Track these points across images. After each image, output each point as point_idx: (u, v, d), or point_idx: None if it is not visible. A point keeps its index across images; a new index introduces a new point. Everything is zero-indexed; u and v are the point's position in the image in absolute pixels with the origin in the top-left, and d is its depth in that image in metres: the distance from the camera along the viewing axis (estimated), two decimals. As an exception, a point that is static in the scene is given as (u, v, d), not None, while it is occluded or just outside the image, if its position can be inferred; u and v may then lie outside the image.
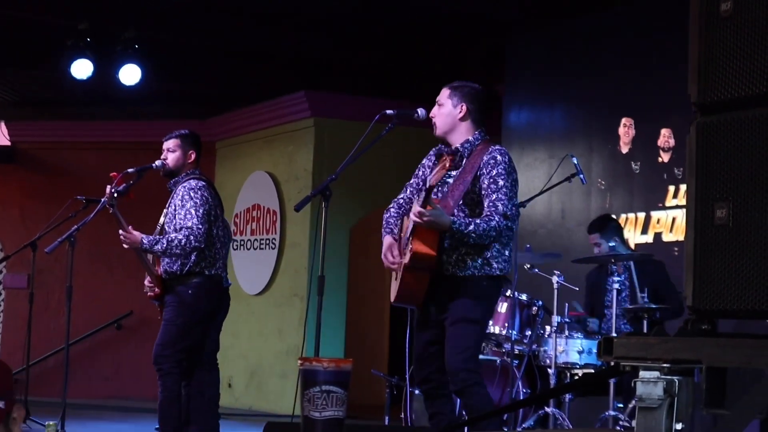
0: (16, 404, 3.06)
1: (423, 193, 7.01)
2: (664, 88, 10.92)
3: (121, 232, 8.99)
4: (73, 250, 9.93)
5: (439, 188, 7.30)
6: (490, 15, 12.99)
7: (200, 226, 8.94)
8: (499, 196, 7.07)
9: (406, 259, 7.08)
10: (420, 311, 7.36)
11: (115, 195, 9.07)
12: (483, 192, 7.12)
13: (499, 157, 7.17)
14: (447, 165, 6.94)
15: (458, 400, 7.69)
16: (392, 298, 7.38)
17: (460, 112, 7.32)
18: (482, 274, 7.13)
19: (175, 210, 9.11)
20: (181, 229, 8.94)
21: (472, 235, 6.95)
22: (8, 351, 17.88)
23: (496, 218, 7.00)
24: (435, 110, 7.39)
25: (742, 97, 4.27)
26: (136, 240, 8.98)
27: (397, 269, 7.25)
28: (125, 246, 9.08)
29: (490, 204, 7.06)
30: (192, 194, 9.06)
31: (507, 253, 7.25)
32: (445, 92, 7.41)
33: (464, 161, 7.27)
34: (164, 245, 8.91)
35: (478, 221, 7.00)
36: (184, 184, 9.17)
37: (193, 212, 8.98)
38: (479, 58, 14.31)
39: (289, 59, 15.39)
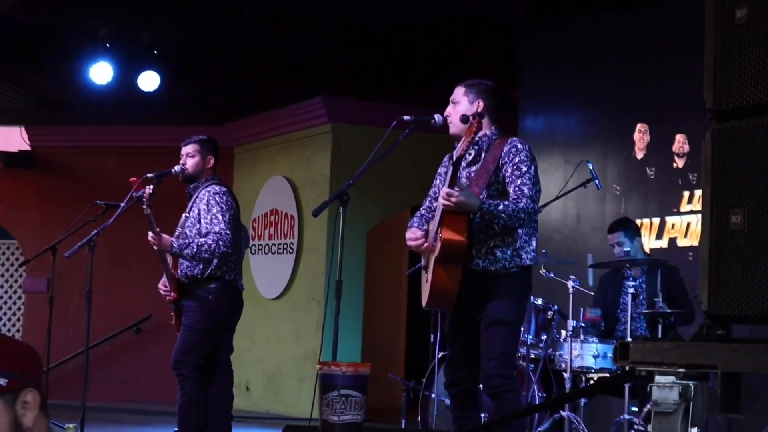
0: (29, 388, 3.02)
1: (449, 173, 6.98)
2: (678, 94, 10.91)
3: (151, 234, 8.98)
4: (92, 254, 9.94)
5: (463, 178, 7.27)
6: (506, 18, 13.00)
7: (227, 231, 8.97)
8: (524, 180, 7.04)
9: (437, 251, 6.98)
10: (452, 315, 7.30)
11: (143, 196, 9.01)
12: (507, 179, 7.09)
13: (519, 146, 7.18)
14: (473, 129, 6.92)
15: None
16: (424, 302, 7.29)
17: (478, 108, 7.25)
18: (513, 265, 7.09)
19: (199, 214, 9.12)
20: (208, 233, 8.95)
21: (503, 215, 6.88)
22: (28, 354, 17.91)
23: (524, 200, 6.96)
24: (450, 109, 7.34)
25: (758, 103, 4.26)
26: (166, 243, 8.97)
27: (427, 266, 7.20)
28: (155, 248, 9.06)
29: (516, 188, 7.03)
30: (218, 199, 9.09)
31: (534, 243, 7.23)
32: (460, 90, 7.38)
33: (483, 155, 7.26)
34: (194, 249, 8.92)
35: (506, 202, 6.94)
36: (208, 189, 9.18)
37: (219, 217, 9.01)
38: (494, 62, 14.31)
39: (306, 65, 15.42)
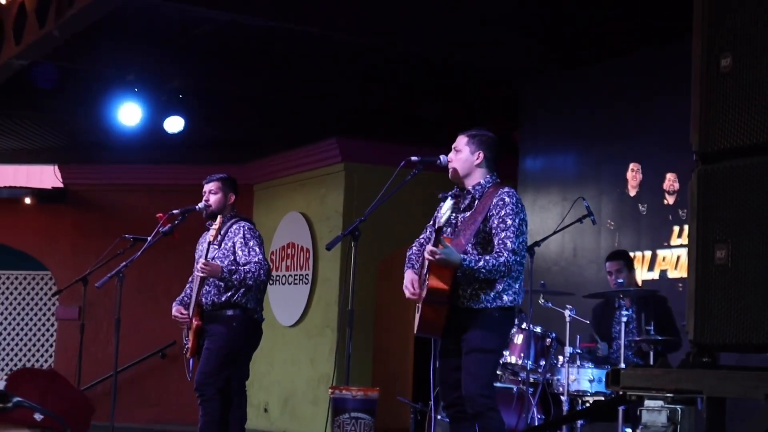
0: None
1: (434, 235, 7.05)
2: (669, 136, 10.93)
3: (202, 261, 8.99)
4: (121, 284, 9.97)
5: (453, 227, 7.35)
6: (509, 68, 13.04)
7: (266, 262, 9.05)
8: (508, 234, 7.10)
9: (424, 293, 7.13)
10: (442, 340, 7.36)
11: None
12: (493, 230, 7.16)
13: (507, 199, 7.21)
14: (449, 206, 6.99)
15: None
16: (415, 330, 7.39)
17: (477, 158, 7.37)
18: (494, 306, 7.16)
19: (233, 247, 9.13)
20: (248, 263, 8.99)
21: (482, 270, 6.99)
22: (60, 378, 17.91)
23: (505, 254, 7.04)
24: (452, 155, 7.42)
25: (740, 146, 4.29)
26: (217, 269, 8.97)
27: (418, 302, 7.29)
28: (202, 275, 9.03)
29: (500, 242, 7.10)
30: (252, 233, 9.17)
31: (517, 286, 7.27)
32: (462, 139, 7.44)
33: (476, 203, 7.32)
34: (241, 275, 8.95)
35: (487, 257, 7.04)
36: (242, 225, 9.22)
37: (257, 249, 9.08)
38: (498, 106, 14.34)
39: (321, 108, 15.45)
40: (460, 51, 12.47)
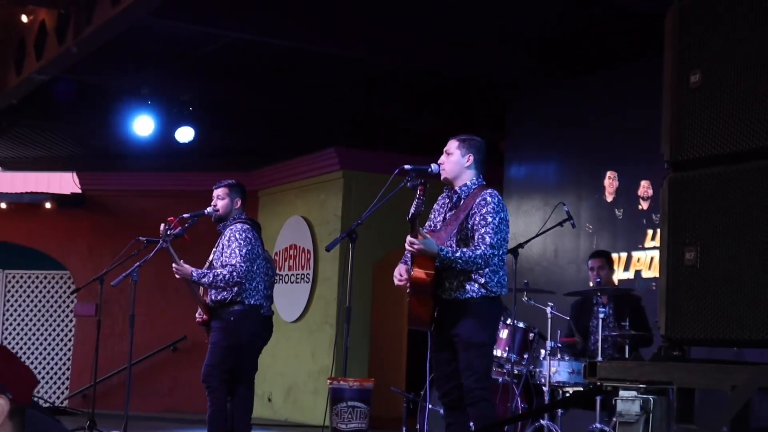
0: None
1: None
2: (643, 146, 10.94)
3: (174, 265, 9.07)
4: (135, 283, 9.96)
5: (438, 225, 7.41)
6: (496, 82, 13.06)
7: (242, 264, 9.02)
8: (487, 230, 7.12)
9: (408, 285, 7.17)
10: (434, 333, 7.34)
11: (169, 233, 9.15)
12: (474, 227, 7.18)
13: (489, 199, 7.23)
14: (418, 196, 6.97)
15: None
16: (408, 322, 7.42)
17: (468, 161, 7.40)
18: (480, 295, 7.17)
19: (222, 249, 9.19)
20: (226, 265, 9.02)
21: (459, 261, 7.00)
22: (79, 370, 17.93)
23: (483, 248, 7.05)
24: (443, 158, 7.44)
25: (708, 156, 4.29)
26: (186, 272, 9.06)
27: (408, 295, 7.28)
28: (177, 277, 9.14)
29: (479, 236, 7.12)
30: (237, 236, 9.15)
31: (501, 275, 7.27)
32: (454, 143, 7.46)
33: (461, 202, 7.35)
34: (210, 278, 8.99)
35: (465, 249, 7.07)
36: (232, 227, 9.25)
37: (237, 252, 9.06)
38: (486, 117, 14.35)
39: (321, 119, 15.46)
40: (451, 66, 12.48)
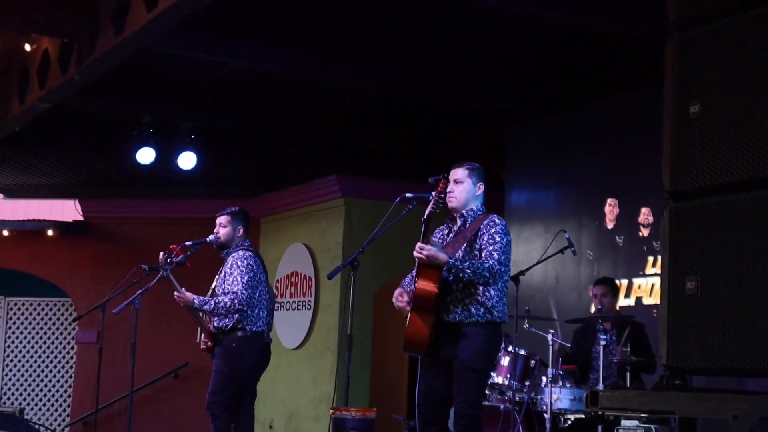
0: None
1: (423, 227, 7.05)
2: (643, 173, 10.95)
3: (176, 293, 9.10)
4: (137, 311, 9.95)
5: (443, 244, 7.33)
6: (496, 110, 13.09)
7: (244, 292, 9.04)
8: (495, 247, 7.10)
9: (411, 300, 7.07)
10: (427, 357, 7.22)
11: (169, 261, 9.19)
12: (483, 246, 7.15)
13: (497, 221, 7.26)
14: (439, 189, 7.02)
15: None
16: (403, 347, 7.25)
17: (479, 190, 7.42)
18: (485, 320, 7.10)
19: (224, 276, 9.20)
20: (228, 293, 9.04)
21: (468, 270, 6.94)
22: (80, 397, 17.89)
23: (490, 261, 7.02)
24: (452, 186, 7.36)
25: (708, 186, 4.31)
26: (188, 300, 9.09)
27: (405, 315, 7.17)
28: (180, 304, 9.17)
29: (487, 252, 7.10)
30: (239, 263, 9.17)
31: (505, 301, 7.24)
32: (463, 172, 7.41)
33: (467, 225, 7.34)
34: (212, 306, 9.01)
35: (473, 261, 7.03)
36: (234, 254, 9.28)
37: (239, 279, 9.08)
38: (486, 146, 14.37)
39: (322, 148, 15.49)
40: (451, 95, 12.52)
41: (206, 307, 9.05)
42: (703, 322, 4.24)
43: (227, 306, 9.00)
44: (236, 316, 9.07)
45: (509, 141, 13.70)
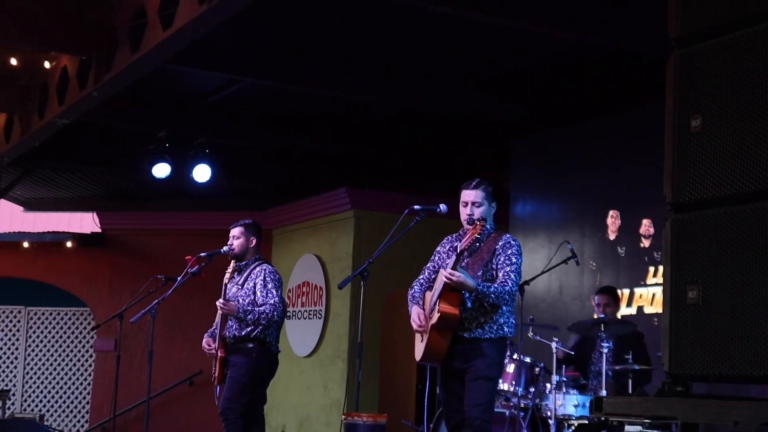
0: None
1: (453, 257, 7.12)
2: (645, 186, 10.93)
3: (221, 301, 9.06)
4: (154, 320, 9.94)
5: (463, 261, 7.38)
6: (502, 124, 13.09)
7: (280, 304, 9.08)
8: (512, 269, 7.26)
9: (434, 319, 7.15)
10: (443, 368, 7.37)
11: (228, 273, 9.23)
12: (499, 266, 7.28)
13: (512, 242, 7.40)
14: (476, 231, 7.07)
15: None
16: (418, 357, 7.41)
17: (494, 209, 7.52)
18: (497, 336, 7.26)
19: (254, 287, 9.17)
20: (265, 304, 9.04)
21: (492, 295, 7.10)
22: (98, 404, 17.90)
23: (509, 284, 7.19)
24: (472, 209, 7.39)
25: (709, 198, 4.30)
26: (234, 308, 9.04)
27: (423, 332, 7.30)
28: (221, 311, 9.11)
29: (505, 274, 7.24)
30: (272, 277, 9.20)
31: (512, 319, 7.39)
32: (480, 194, 7.43)
33: (480, 245, 7.36)
34: (256, 315, 9.00)
35: (496, 285, 7.17)
36: (264, 268, 9.26)
37: (274, 292, 9.11)
38: (491, 159, 14.39)
39: (332, 161, 15.50)
40: (457, 110, 12.53)
41: (250, 316, 9.03)
42: (704, 331, 4.23)
43: (269, 316, 9.02)
44: (260, 327, 9.06)
45: (514, 154, 13.70)
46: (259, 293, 9.14)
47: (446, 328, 7.18)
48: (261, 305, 9.05)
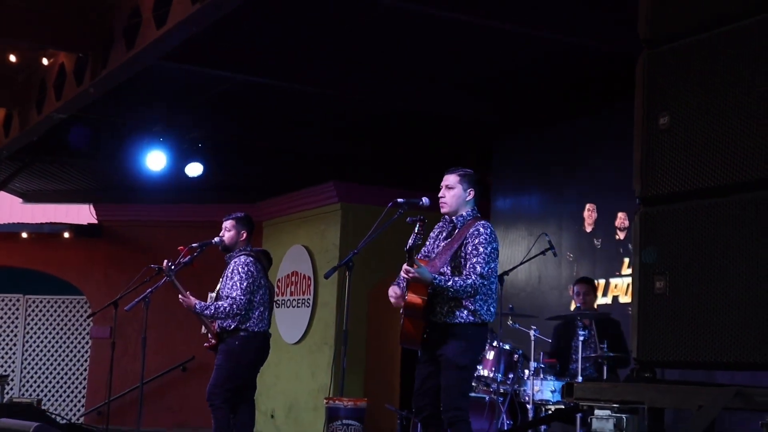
0: None
1: (407, 256, 7.02)
2: (620, 180, 10.97)
3: (180, 296, 9.11)
4: (147, 308, 9.94)
5: (433, 251, 7.39)
6: (484, 122, 13.11)
7: (242, 297, 9.04)
8: (478, 260, 7.08)
9: (403, 306, 7.13)
10: (421, 351, 7.31)
11: (172, 267, 9.22)
12: (467, 256, 7.13)
13: (482, 229, 7.19)
14: (416, 230, 7.00)
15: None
16: (399, 340, 7.35)
17: (469, 195, 7.37)
18: (468, 322, 7.12)
19: (225, 280, 9.22)
20: (227, 297, 9.05)
21: (450, 289, 6.98)
22: (94, 389, 17.91)
23: (473, 277, 7.02)
24: (444, 191, 7.36)
25: (676, 192, 4.34)
26: (190, 304, 9.10)
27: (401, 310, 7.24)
28: (184, 306, 9.18)
29: (470, 266, 7.08)
30: (240, 269, 9.17)
31: (490, 303, 7.22)
32: (454, 177, 7.38)
33: (456, 231, 7.32)
34: (212, 310, 9.03)
35: (456, 278, 7.04)
36: (236, 260, 9.28)
37: (238, 284, 9.08)
38: (474, 154, 14.40)
39: (321, 156, 15.51)
40: (442, 109, 12.55)
41: (207, 312, 9.07)
42: (671, 319, 4.27)
43: (226, 310, 9.02)
44: (238, 318, 9.08)
45: (496, 151, 13.74)
46: (226, 286, 9.18)
47: (413, 316, 7.10)
48: (225, 297, 9.09)
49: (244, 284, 9.10)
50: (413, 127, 13.84)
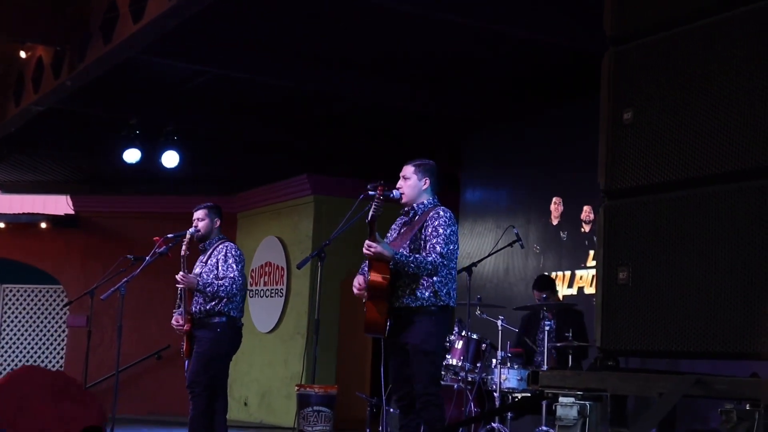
0: None
1: (368, 228, 7.00)
2: (585, 175, 10.98)
3: (181, 274, 8.99)
4: (123, 297, 9.91)
5: (395, 236, 7.38)
6: (454, 117, 13.14)
7: (239, 278, 9.03)
8: (438, 240, 7.08)
9: (367, 289, 7.08)
10: (387, 341, 7.23)
11: (185, 245, 9.12)
12: (427, 238, 7.13)
13: (441, 212, 7.21)
14: (377, 195, 6.97)
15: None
16: (364, 330, 7.27)
17: (425, 184, 7.37)
18: (430, 304, 7.08)
19: (217, 263, 9.14)
20: (225, 278, 9.00)
21: (411, 264, 6.96)
22: (70, 376, 17.84)
23: (433, 255, 7.01)
24: (401, 183, 7.38)
25: (639, 186, 4.35)
26: (193, 281, 8.99)
27: (364, 300, 7.18)
28: (181, 285, 9.05)
29: (431, 246, 7.08)
30: (233, 252, 9.15)
31: (450, 286, 7.17)
32: (410, 168, 7.40)
33: (416, 218, 7.32)
34: (215, 288, 8.93)
35: (417, 255, 7.04)
36: (226, 245, 9.23)
37: (234, 266, 9.06)
38: (444, 148, 14.41)
39: (294, 149, 15.49)
40: (413, 103, 12.55)
41: (209, 288, 8.96)
42: (634, 309, 4.28)
43: (227, 289, 8.95)
44: (224, 301, 9.03)
45: (465, 145, 13.76)
46: (220, 267, 9.13)
47: (378, 297, 7.03)
48: (221, 278, 9.04)
49: (239, 267, 9.11)
50: (385, 121, 13.85)
